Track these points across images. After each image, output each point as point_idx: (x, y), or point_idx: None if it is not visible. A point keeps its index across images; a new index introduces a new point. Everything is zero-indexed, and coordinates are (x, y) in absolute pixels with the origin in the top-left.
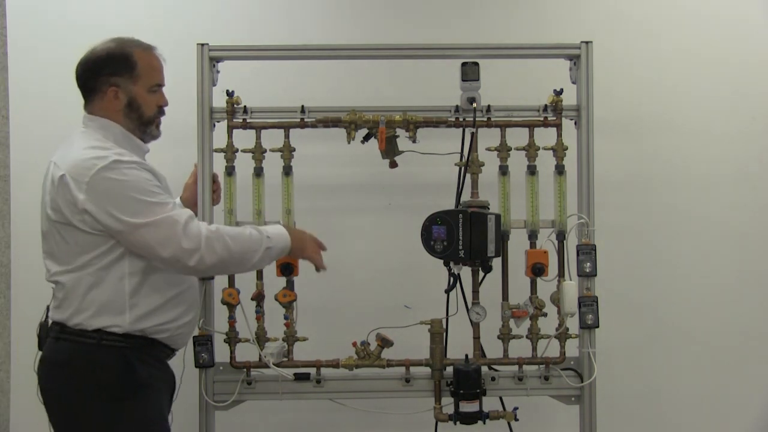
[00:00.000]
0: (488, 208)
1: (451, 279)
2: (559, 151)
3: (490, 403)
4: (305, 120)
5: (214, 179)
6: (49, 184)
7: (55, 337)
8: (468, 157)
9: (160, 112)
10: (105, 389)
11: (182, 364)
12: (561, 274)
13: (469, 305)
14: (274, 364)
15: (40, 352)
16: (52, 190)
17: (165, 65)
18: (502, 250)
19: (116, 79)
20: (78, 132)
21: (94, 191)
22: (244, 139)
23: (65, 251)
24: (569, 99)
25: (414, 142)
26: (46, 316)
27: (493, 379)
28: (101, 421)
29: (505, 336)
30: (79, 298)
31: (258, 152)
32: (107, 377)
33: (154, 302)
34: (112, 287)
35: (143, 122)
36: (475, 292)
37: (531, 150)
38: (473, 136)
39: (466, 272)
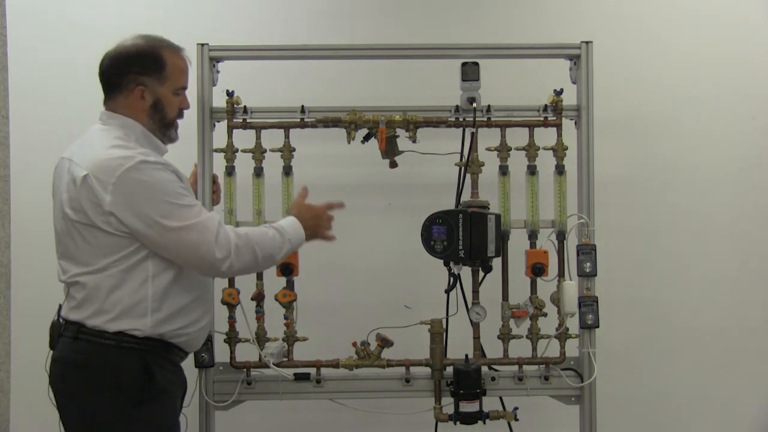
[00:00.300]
0: (488, 208)
1: (451, 279)
2: (559, 151)
3: (490, 403)
4: (305, 120)
5: (214, 180)
6: (67, 183)
7: (72, 337)
8: (468, 157)
9: (180, 114)
10: (124, 392)
11: (193, 368)
12: (561, 274)
13: (469, 305)
14: (274, 364)
15: (52, 352)
16: (73, 189)
17: (190, 67)
18: (502, 250)
19: (144, 79)
20: (96, 129)
21: (120, 193)
22: (244, 139)
23: (87, 252)
24: (569, 99)
25: (414, 142)
26: (59, 316)
27: (493, 379)
28: (119, 424)
29: (505, 336)
30: (101, 299)
31: (258, 152)
32: (127, 380)
33: (174, 306)
34: (135, 290)
35: (165, 124)
36: (475, 292)
37: (531, 150)
38: (473, 136)
39: (466, 272)
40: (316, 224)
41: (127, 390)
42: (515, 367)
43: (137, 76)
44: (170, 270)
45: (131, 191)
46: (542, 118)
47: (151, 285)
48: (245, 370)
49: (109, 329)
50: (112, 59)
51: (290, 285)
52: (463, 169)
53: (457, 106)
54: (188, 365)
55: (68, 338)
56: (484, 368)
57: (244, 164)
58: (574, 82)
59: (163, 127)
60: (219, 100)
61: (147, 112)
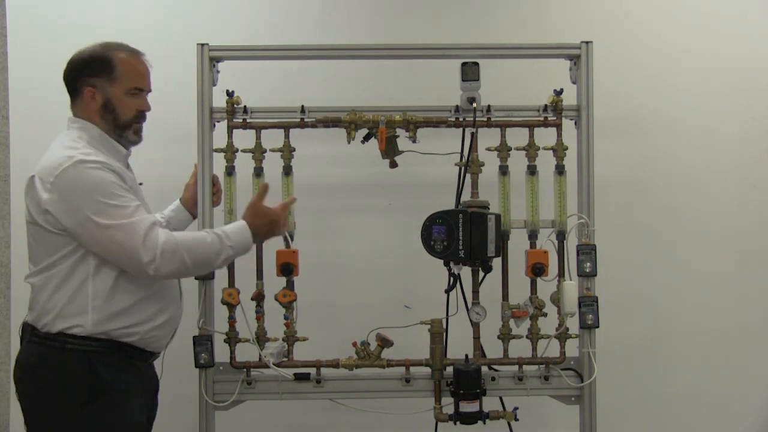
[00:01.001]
0: (488, 208)
1: (451, 279)
2: (559, 151)
3: (490, 403)
4: (305, 120)
5: (214, 181)
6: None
7: (27, 340)
8: (468, 157)
9: (140, 116)
10: (68, 393)
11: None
12: (561, 274)
13: (469, 305)
14: (274, 364)
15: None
16: (25, 191)
17: (152, 71)
18: (502, 250)
19: (94, 81)
20: (60, 134)
21: (57, 190)
22: (244, 139)
23: (36, 252)
24: (569, 99)
25: (414, 142)
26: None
27: (493, 379)
28: (65, 425)
29: (505, 336)
30: (44, 300)
31: (258, 152)
32: (71, 381)
33: (119, 304)
34: (75, 289)
35: (119, 125)
36: (475, 292)
37: (531, 150)
38: (473, 136)
39: (466, 272)
40: (270, 229)
41: (71, 391)
42: (515, 367)
43: (88, 78)
44: (113, 268)
45: (67, 189)
46: (542, 118)
47: (92, 283)
48: (245, 370)
49: (52, 330)
50: (69, 65)
51: (290, 285)
52: (463, 169)
53: (457, 106)
54: (189, 365)
55: (26, 341)
56: (484, 368)
57: (244, 164)
58: (574, 82)
59: (118, 128)
60: (219, 100)
61: (99, 113)
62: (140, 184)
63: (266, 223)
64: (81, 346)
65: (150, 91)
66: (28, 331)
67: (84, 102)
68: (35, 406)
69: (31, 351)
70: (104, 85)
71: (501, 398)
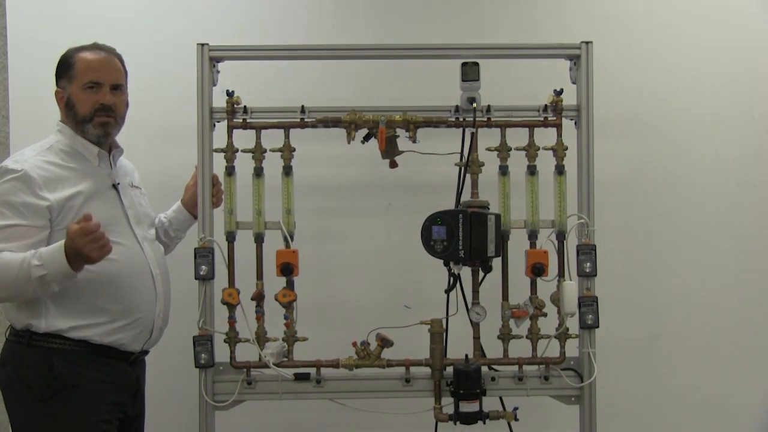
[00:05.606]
0: (488, 208)
1: (451, 279)
2: (559, 151)
3: (490, 403)
4: (305, 120)
5: (215, 182)
6: None
7: (6, 337)
8: (468, 157)
9: (101, 110)
10: (30, 389)
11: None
12: (561, 274)
13: (469, 305)
14: (274, 364)
15: None
16: None
17: (119, 67)
18: (502, 250)
19: (60, 82)
20: None
21: None
22: (244, 139)
23: None
24: (569, 99)
25: (414, 142)
26: None
27: (493, 379)
28: (26, 422)
29: (505, 336)
30: None
31: (258, 152)
32: (33, 377)
33: (73, 304)
34: None
35: (78, 121)
36: (475, 292)
37: (531, 150)
38: (473, 136)
39: (466, 272)
40: (76, 250)
41: (32, 387)
42: (515, 367)
43: (58, 81)
44: None
45: None
46: (542, 118)
47: None
48: (245, 370)
49: (18, 326)
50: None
51: (290, 285)
52: (463, 169)
53: (457, 106)
54: (188, 365)
55: (5, 337)
56: (484, 368)
57: (244, 164)
58: (574, 82)
59: (79, 124)
60: (219, 100)
61: (65, 112)
62: (136, 186)
63: (74, 248)
64: (45, 344)
65: (118, 85)
66: (8, 327)
67: (59, 105)
68: (6, 403)
69: (4, 347)
70: (66, 85)
71: (501, 398)
